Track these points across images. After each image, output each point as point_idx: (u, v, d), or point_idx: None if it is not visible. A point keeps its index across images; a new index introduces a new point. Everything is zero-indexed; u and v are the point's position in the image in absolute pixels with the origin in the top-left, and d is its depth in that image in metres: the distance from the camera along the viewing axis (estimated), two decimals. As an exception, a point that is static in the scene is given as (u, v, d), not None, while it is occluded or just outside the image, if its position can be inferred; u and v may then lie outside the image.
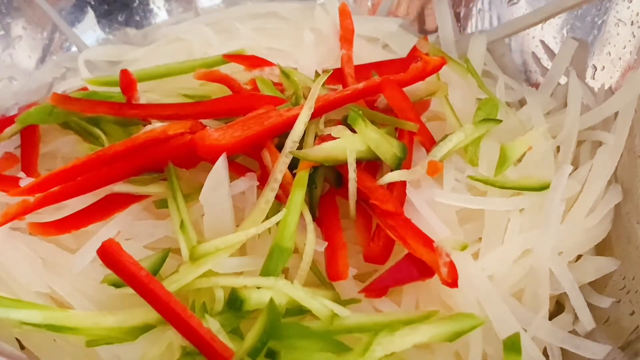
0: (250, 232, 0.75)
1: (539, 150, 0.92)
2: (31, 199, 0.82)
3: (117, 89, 0.97)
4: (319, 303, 0.72)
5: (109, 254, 0.71)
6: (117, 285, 0.73)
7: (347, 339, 0.72)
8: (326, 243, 0.78)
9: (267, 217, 0.77)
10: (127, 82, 0.95)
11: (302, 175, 0.79)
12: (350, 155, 0.79)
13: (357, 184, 0.80)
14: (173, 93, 0.97)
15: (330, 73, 0.89)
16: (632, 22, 0.98)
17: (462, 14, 1.20)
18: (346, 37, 1.04)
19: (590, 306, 0.84)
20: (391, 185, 0.81)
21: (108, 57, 1.22)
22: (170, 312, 0.68)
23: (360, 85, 0.87)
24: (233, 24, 1.17)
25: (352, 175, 0.80)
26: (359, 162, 0.80)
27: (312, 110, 0.82)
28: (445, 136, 0.86)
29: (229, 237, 0.75)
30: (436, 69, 0.91)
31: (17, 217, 0.82)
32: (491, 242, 0.83)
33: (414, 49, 1.04)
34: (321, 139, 0.82)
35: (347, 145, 0.80)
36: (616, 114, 0.95)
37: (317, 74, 0.96)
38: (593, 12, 1.04)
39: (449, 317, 0.72)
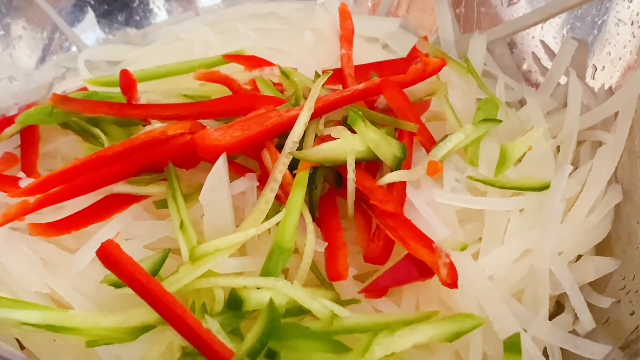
0: (250, 233, 0.75)
1: (539, 150, 0.92)
2: (31, 199, 0.81)
3: (117, 89, 0.97)
4: (318, 303, 0.72)
5: (108, 255, 0.71)
6: (116, 286, 0.73)
7: (347, 339, 0.72)
8: (326, 243, 0.78)
9: (267, 217, 0.77)
10: (127, 82, 0.95)
11: (302, 175, 0.79)
12: (350, 156, 0.79)
13: (357, 185, 0.80)
14: (173, 93, 0.97)
15: (330, 74, 0.88)
16: (632, 22, 0.98)
17: (462, 14, 1.20)
18: (346, 37, 1.04)
19: (590, 306, 0.84)
20: (391, 186, 0.81)
21: (108, 57, 1.22)
22: (170, 313, 0.68)
23: (360, 86, 0.87)
24: (233, 24, 1.17)
25: (350, 175, 0.80)
26: (358, 162, 0.80)
27: (312, 111, 0.82)
28: (445, 136, 0.86)
29: (229, 238, 0.75)
30: (436, 71, 0.91)
31: (17, 218, 0.82)
32: (491, 242, 0.83)
33: (414, 49, 1.04)
34: (321, 139, 0.82)
35: (346, 145, 0.80)
36: (616, 114, 0.95)
37: (317, 75, 0.96)
38: (593, 12, 1.04)
39: (449, 317, 0.72)
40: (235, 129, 0.81)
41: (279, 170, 0.79)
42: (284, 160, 0.79)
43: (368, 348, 0.68)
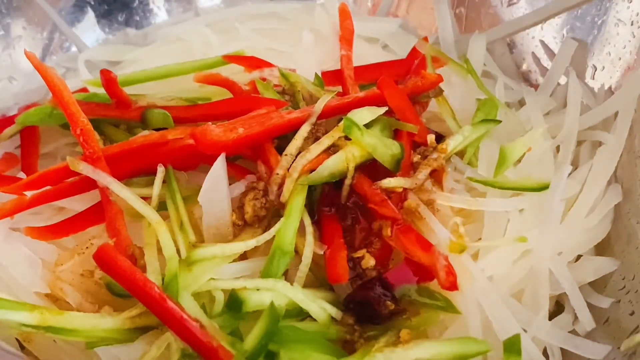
0: (250, 244, 0.76)
1: (539, 150, 0.92)
2: (27, 195, 0.81)
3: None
4: (317, 306, 0.72)
5: (106, 258, 0.71)
6: (114, 292, 0.73)
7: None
8: (326, 246, 0.78)
9: (267, 219, 0.77)
10: (107, 81, 0.93)
11: (302, 179, 0.79)
12: (350, 164, 0.80)
13: (356, 189, 0.81)
14: (173, 94, 0.97)
15: (334, 94, 0.89)
16: (632, 22, 0.98)
17: (462, 14, 1.20)
18: (346, 37, 1.04)
19: (590, 306, 0.84)
20: (390, 189, 0.81)
21: (108, 57, 1.22)
22: (168, 316, 0.68)
23: (362, 93, 0.88)
24: (233, 24, 1.17)
25: (348, 181, 0.81)
26: (357, 166, 0.81)
27: (313, 125, 0.83)
28: (444, 139, 0.86)
29: (227, 246, 0.75)
30: (434, 85, 0.93)
31: (13, 214, 0.82)
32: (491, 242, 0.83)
33: (414, 50, 1.04)
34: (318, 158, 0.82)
35: (346, 155, 0.80)
36: (616, 114, 0.94)
37: (317, 77, 0.96)
38: (593, 12, 1.04)
39: (457, 339, 0.72)
40: (236, 127, 0.81)
41: (275, 182, 0.79)
42: (283, 173, 0.79)
43: (368, 353, 0.68)
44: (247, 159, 0.85)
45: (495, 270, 0.81)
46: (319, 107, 0.84)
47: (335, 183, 0.83)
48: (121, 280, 0.70)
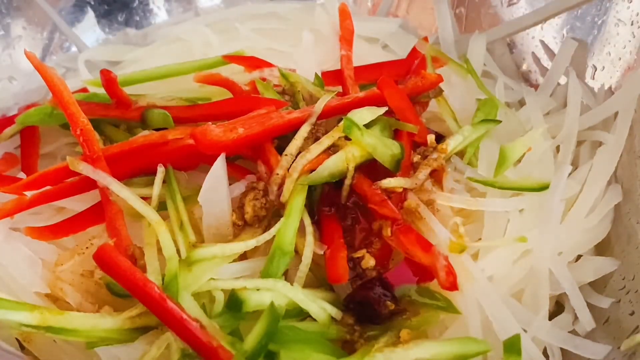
0: (250, 244, 0.76)
1: (539, 150, 0.92)
2: (28, 195, 0.82)
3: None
4: (317, 306, 0.72)
5: (106, 258, 0.71)
6: (114, 292, 0.73)
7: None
8: (326, 246, 0.78)
9: (267, 219, 0.77)
10: (107, 81, 0.93)
11: (301, 179, 0.79)
12: (350, 165, 0.80)
13: (356, 189, 0.81)
14: (173, 94, 0.97)
15: (334, 94, 0.89)
16: (632, 22, 0.98)
17: (462, 14, 1.20)
18: (346, 37, 1.04)
19: (590, 306, 0.84)
20: (390, 189, 0.81)
21: (108, 57, 1.22)
22: (169, 316, 0.68)
23: (362, 93, 0.88)
24: (233, 24, 1.17)
25: (348, 181, 0.81)
26: (357, 166, 0.81)
27: (313, 126, 0.83)
28: (444, 139, 0.86)
29: (227, 246, 0.75)
30: (434, 85, 0.93)
31: (13, 214, 0.82)
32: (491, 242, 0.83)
33: (414, 50, 1.04)
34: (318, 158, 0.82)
35: (346, 155, 0.80)
36: (616, 114, 0.95)
37: (317, 77, 0.96)
38: (593, 12, 1.04)
39: (457, 339, 0.72)
40: (236, 127, 0.81)
41: (275, 182, 0.79)
42: (283, 173, 0.79)
43: (368, 353, 0.68)
44: (247, 159, 0.85)
45: (495, 270, 0.81)
46: (319, 107, 0.84)
47: (335, 183, 0.83)
48: (121, 280, 0.70)
